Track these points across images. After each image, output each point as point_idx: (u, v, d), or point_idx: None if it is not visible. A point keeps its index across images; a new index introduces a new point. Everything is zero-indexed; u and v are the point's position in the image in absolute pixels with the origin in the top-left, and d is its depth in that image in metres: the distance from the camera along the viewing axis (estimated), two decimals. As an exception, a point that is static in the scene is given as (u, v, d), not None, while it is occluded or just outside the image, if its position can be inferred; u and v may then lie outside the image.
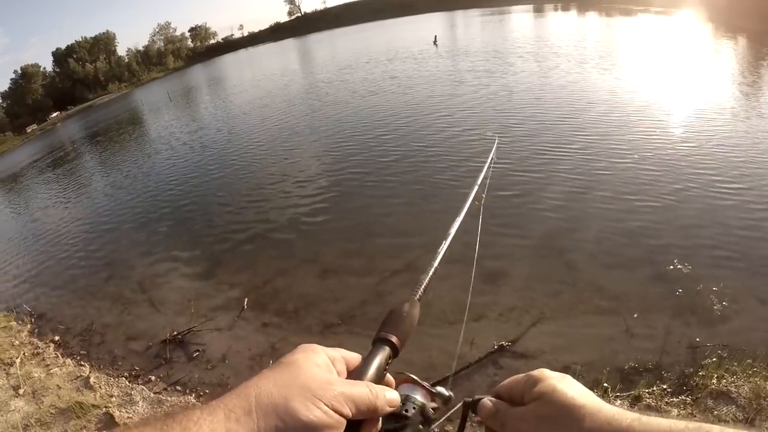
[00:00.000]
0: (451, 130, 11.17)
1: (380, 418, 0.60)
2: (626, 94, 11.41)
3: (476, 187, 1.46)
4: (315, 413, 0.51)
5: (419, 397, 0.73)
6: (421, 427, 0.70)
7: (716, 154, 7.67)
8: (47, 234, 12.15)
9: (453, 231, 1.08)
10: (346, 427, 0.54)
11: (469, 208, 1.26)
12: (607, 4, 39.39)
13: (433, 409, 0.72)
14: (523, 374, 0.70)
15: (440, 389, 0.75)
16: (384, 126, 12.70)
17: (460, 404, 0.76)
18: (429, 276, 0.87)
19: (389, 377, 0.66)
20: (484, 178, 1.60)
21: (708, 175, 7.05)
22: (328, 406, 0.52)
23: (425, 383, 0.74)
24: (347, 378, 0.61)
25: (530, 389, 0.65)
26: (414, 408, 0.70)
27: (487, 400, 0.71)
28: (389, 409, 0.60)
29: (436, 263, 0.91)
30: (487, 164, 1.77)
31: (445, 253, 0.96)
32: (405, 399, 0.71)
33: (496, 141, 2.47)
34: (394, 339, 0.67)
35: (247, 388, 0.52)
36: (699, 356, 4.00)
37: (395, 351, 0.67)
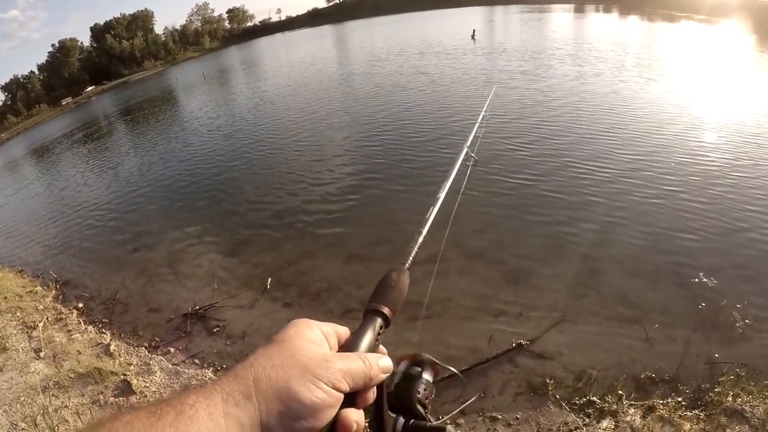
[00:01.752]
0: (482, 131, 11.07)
1: (374, 387, 0.60)
2: (670, 106, 11.05)
3: (466, 147, 1.45)
4: (317, 394, 0.50)
5: (424, 372, 0.76)
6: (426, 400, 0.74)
7: (753, 172, 7.48)
8: (76, 204, 12.48)
9: (441, 195, 1.08)
10: (343, 399, 0.54)
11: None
12: (650, 9, 38.52)
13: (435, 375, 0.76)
14: None
15: (444, 365, 0.78)
16: (417, 119, 12.60)
17: (474, 398, 0.78)
18: (418, 244, 0.87)
19: (382, 347, 0.66)
20: (475, 137, 1.59)
21: (743, 191, 6.90)
22: (328, 385, 0.52)
23: (430, 356, 0.77)
24: (340, 350, 0.61)
25: None
26: (417, 383, 0.73)
27: None
28: (383, 377, 0.60)
29: (425, 231, 0.91)
30: (476, 126, 1.77)
31: (433, 220, 0.96)
32: (408, 376, 0.75)
33: (492, 92, 2.46)
34: (385, 309, 0.67)
35: (244, 369, 0.51)
36: (717, 372, 3.95)
37: (386, 321, 0.67)
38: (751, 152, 8.10)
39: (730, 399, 3.55)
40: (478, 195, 7.34)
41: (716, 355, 4.15)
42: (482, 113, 2.12)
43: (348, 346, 0.61)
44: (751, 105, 10.76)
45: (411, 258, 0.82)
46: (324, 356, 0.55)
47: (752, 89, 12.17)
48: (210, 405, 0.47)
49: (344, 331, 0.64)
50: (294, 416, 0.49)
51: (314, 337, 0.58)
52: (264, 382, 0.50)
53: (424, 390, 0.74)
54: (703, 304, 4.75)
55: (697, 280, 5.09)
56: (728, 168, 7.60)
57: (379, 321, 0.66)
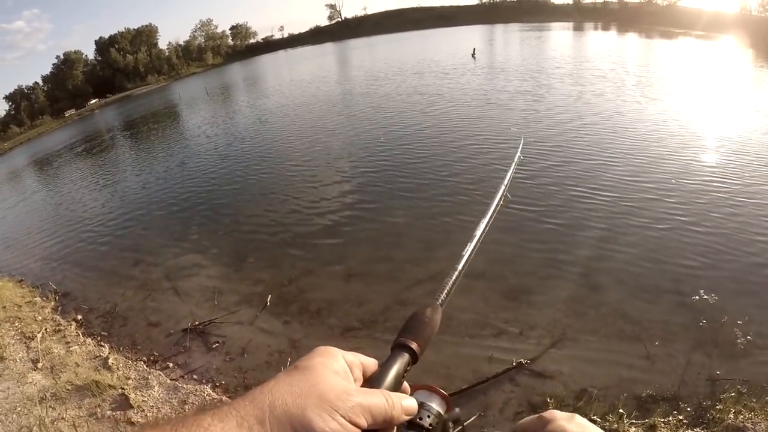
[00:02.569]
0: (480, 147, 11.10)
1: (395, 427, 0.59)
2: (670, 124, 11.10)
3: (504, 187, 1.44)
4: (331, 425, 0.49)
5: (434, 404, 0.74)
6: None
7: (751, 185, 7.51)
8: (77, 216, 12.51)
9: (479, 233, 1.04)
10: None
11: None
12: (648, 26, 38.91)
13: (446, 415, 0.74)
14: (536, 415, 0.69)
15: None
16: (415, 139, 12.66)
17: (474, 417, 0.76)
18: (453, 280, 0.84)
19: (406, 385, 0.64)
20: (509, 181, 1.58)
21: (741, 208, 6.92)
22: (344, 418, 0.50)
23: (442, 390, 0.76)
24: (364, 384, 0.60)
25: (541, 430, 0.65)
26: (429, 416, 0.72)
27: None
28: (405, 418, 0.59)
29: (460, 266, 0.88)
30: (512, 166, 1.77)
31: (470, 256, 0.93)
32: (420, 406, 0.73)
33: (521, 145, 2.46)
34: (413, 345, 0.66)
35: (262, 394, 0.51)
36: (718, 389, 3.94)
37: (414, 357, 0.65)
38: (751, 170, 8.13)
39: (731, 416, 3.53)
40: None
41: (717, 372, 4.13)
42: (516, 159, 2.10)
43: (373, 380, 0.61)
44: (751, 123, 10.81)
45: (444, 294, 0.80)
46: (345, 389, 0.54)
47: (753, 106, 12.21)
48: (225, 429, 0.47)
49: (370, 363, 0.63)
50: None
51: (338, 368, 0.58)
52: (280, 407, 0.49)
53: (436, 423, 0.73)
54: (704, 321, 4.75)
55: (697, 297, 5.08)
56: (729, 186, 7.63)
57: (407, 357, 0.65)
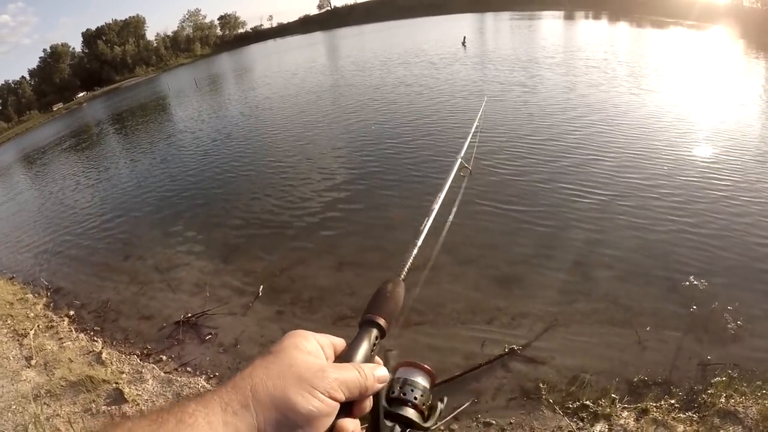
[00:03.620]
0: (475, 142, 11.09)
1: (371, 396, 0.61)
2: (661, 113, 11.02)
3: (459, 159, 1.45)
4: (313, 403, 0.51)
5: (419, 380, 0.76)
6: (423, 407, 0.73)
7: (740, 172, 7.56)
8: (67, 211, 12.43)
9: (436, 207, 1.09)
10: (339, 409, 0.55)
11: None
12: (639, 15, 38.79)
13: (430, 387, 0.75)
14: None
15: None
16: (409, 129, 12.58)
17: (467, 404, 0.78)
18: (413, 255, 0.86)
19: (377, 358, 0.66)
20: (468, 149, 1.59)
21: (731, 192, 6.97)
22: (324, 394, 0.53)
23: (425, 365, 0.77)
24: (336, 361, 0.61)
25: None
26: (413, 390, 0.73)
27: None
28: (379, 386, 0.61)
29: (419, 242, 0.91)
30: (468, 138, 1.77)
31: (427, 230, 0.96)
32: (403, 383, 0.75)
33: (478, 116, 2.45)
34: (380, 321, 0.67)
35: (243, 380, 0.52)
36: (709, 374, 3.98)
37: (382, 332, 0.67)
38: (742, 158, 8.17)
39: (723, 400, 3.57)
40: (470, 203, 7.34)
41: (708, 357, 4.18)
42: (475, 124, 2.11)
43: (344, 356, 0.62)
44: (741, 113, 10.85)
45: (406, 269, 0.82)
46: (320, 366, 0.56)
47: (744, 97, 12.24)
48: (209, 414, 0.48)
49: (340, 342, 0.65)
50: (291, 425, 0.50)
51: (311, 348, 0.59)
52: (261, 391, 0.51)
53: (421, 396, 0.74)
54: (695, 307, 4.79)
55: (687, 283, 5.13)
56: (718, 173, 7.67)
57: (374, 332, 0.66)
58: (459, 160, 1.43)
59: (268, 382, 0.52)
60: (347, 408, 0.57)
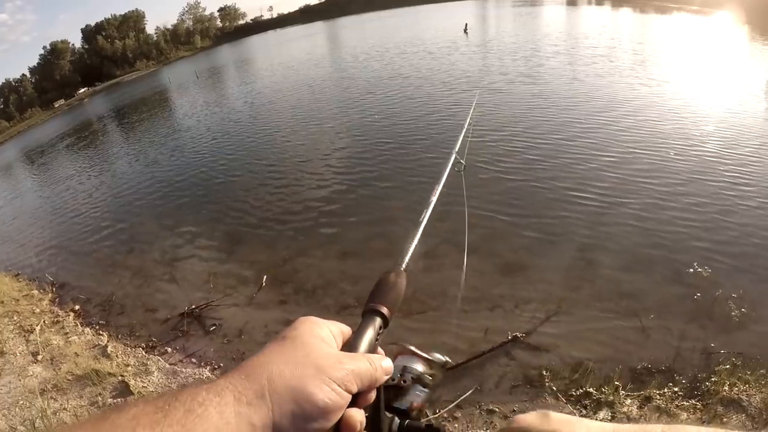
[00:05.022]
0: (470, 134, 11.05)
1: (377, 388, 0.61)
2: (666, 100, 10.94)
3: (454, 154, 1.45)
4: (331, 396, 0.50)
5: (417, 366, 0.76)
6: (420, 394, 0.74)
7: (744, 158, 7.51)
8: (71, 206, 12.48)
9: (434, 198, 1.09)
10: None
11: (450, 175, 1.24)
12: (643, 1, 38.54)
13: (430, 376, 0.75)
14: (533, 413, 0.66)
15: (437, 355, 0.77)
16: (406, 120, 12.53)
17: (470, 391, 0.78)
18: (413, 246, 0.87)
19: (380, 348, 0.65)
20: (462, 145, 1.59)
21: (735, 179, 6.92)
22: (341, 387, 0.51)
23: (421, 352, 0.77)
24: (343, 349, 0.60)
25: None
26: (412, 377, 0.74)
27: None
28: (385, 378, 0.60)
29: (419, 233, 0.91)
30: (462, 131, 1.77)
31: (427, 222, 0.97)
32: (403, 370, 0.75)
33: (472, 107, 2.44)
34: (384, 309, 0.67)
35: (258, 367, 0.50)
36: (713, 362, 3.96)
37: (385, 321, 0.67)
38: (745, 143, 8.10)
39: (726, 388, 3.55)
40: (472, 190, 7.32)
41: (712, 345, 4.16)
42: (468, 119, 2.10)
43: (350, 345, 0.61)
44: (745, 99, 10.75)
45: (407, 259, 0.82)
46: (337, 357, 0.55)
47: (749, 83, 12.11)
48: (221, 403, 0.46)
49: (347, 330, 0.64)
50: (307, 417, 0.49)
51: (324, 335, 0.58)
52: (278, 380, 0.49)
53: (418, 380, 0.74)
54: (699, 294, 4.76)
55: (691, 270, 5.09)
56: (722, 159, 7.60)
57: (378, 321, 0.66)
58: (454, 155, 1.42)
59: (286, 371, 0.50)
60: (354, 398, 0.56)
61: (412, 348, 0.77)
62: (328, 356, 0.54)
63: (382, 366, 0.59)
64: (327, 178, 9.57)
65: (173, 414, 0.44)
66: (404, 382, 0.73)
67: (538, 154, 8.77)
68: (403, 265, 0.81)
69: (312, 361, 0.52)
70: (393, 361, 0.74)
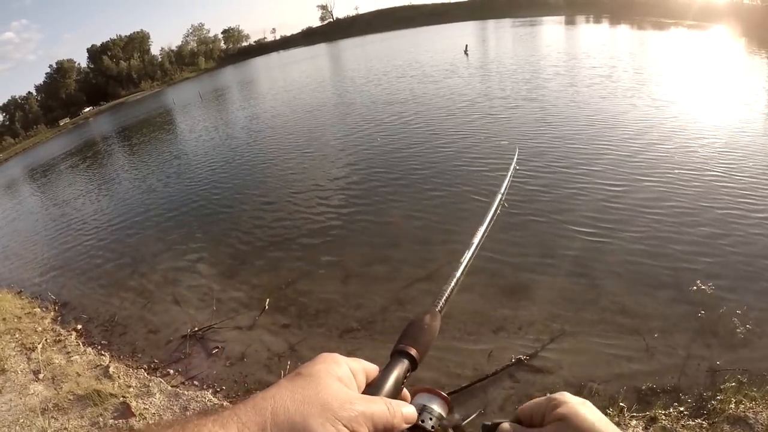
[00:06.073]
0: (477, 153, 11.11)
1: None
2: (665, 119, 11.01)
3: (500, 196, 1.44)
4: None
5: (436, 407, 0.74)
6: None
7: (746, 174, 7.51)
8: (75, 225, 12.51)
9: (477, 240, 1.04)
10: None
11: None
12: (640, 17, 38.86)
13: (449, 420, 0.75)
14: (545, 396, 0.67)
15: (456, 416, 0.77)
16: (411, 144, 12.49)
17: (474, 415, 0.76)
18: (451, 287, 0.84)
19: (406, 391, 0.64)
20: (507, 187, 1.57)
21: (736, 195, 6.93)
22: (347, 427, 0.50)
23: (443, 392, 0.77)
24: (365, 390, 0.59)
25: (551, 411, 0.63)
26: (431, 418, 0.73)
27: (507, 425, 0.69)
28: (405, 426, 0.58)
29: (458, 273, 0.88)
30: (509, 174, 1.76)
31: (468, 263, 0.93)
32: (422, 409, 0.73)
33: (516, 152, 2.45)
34: (413, 352, 0.66)
35: (264, 400, 0.50)
36: (718, 380, 3.93)
37: (414, 364, 0.66)
38: (747, 159, 8.13)
39: (732, 406, 3.53)
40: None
41: (717, 363, 4.13)
42: (513, 164, 2.09)
43: (374, 386, 0.60)
44: (746, 113, 10.79)
45: (443, 301, 0.80)
46: (348, 397, 0.53)
47: (749, 97, 12.16)
48: None
49: (372, 369, 0.63)
50: None
51: (342, 374, 0.57)
52: (281, 415, 0.48)
53: (438, 426, 0.73)
54: (703, 312, 4.74)
55: (695, 287, 5.08)
56: (724, 176, 7.62)
57: (406, 364, 0.65)
58: (499, 196, 1.41)
59: (291, 406, 0.49)
60: None
61: (430, 387, 0.76)
62: (339, 395, 0.53)
63: (403, 412, 0.58)
64: (330, 202, 9.59)
65: None
66: (422, 421, 0.72)
67: (539, 173, 8.78)
68: (438, 307, 0.78)
69: (320, 399, 0.51)
70: (412, 398, 0.72)
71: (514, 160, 2.07)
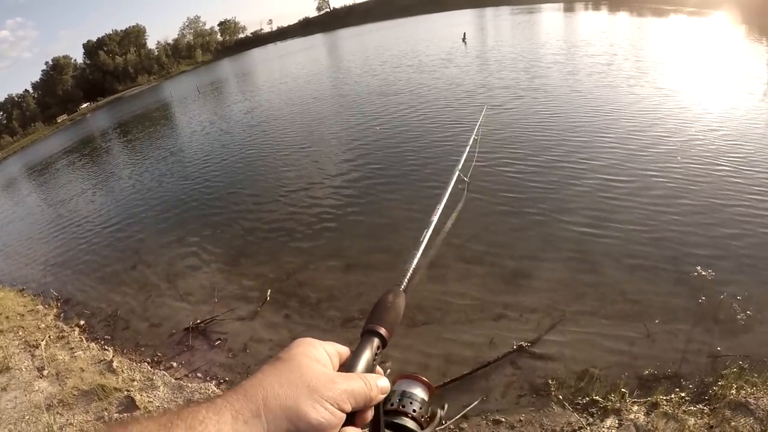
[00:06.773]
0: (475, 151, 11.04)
1: (373, 406, 0.62)
2: (666, 104, 10.94)
3: (457, 172, 1.44)
4: (323, 414, 0.52)
5: (418, 392, 0.77)
6: (422, 419, 0.75)
7: (746, 160, 7.49)
8: (75, 221, 12.52)
9: (434, 218, 1.09)
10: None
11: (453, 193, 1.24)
12: (639, 4, 38.48)
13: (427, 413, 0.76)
14: None
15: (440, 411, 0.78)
16: (415, 129, 12.54)
17: (476, 402, 0.78)
18: (413, 266, 0.86)
19: (378, 368, 0.67)
20: (466, 161, 1.58)
21: (737, 181, 6.91)
22: (333, 406, 0.54)
23: (424, 378, 0.78)
24: (340, 370, 0.62)
25: None
26: (412, 402, 0.74)
27: None
28: (382, 397, 0.62)
29: (419, 253, 0.91)
30: (466, 149, 1.76)
31: (428, 242, 0.96)
32: (402, 395, 0.76)
33: (483, 112, 2.44)
34: (381, 330, 0.68)
35: (253, 387, 0.52)
36: (719, 366, 3.94)
37: (383, 341, 0.68)
38: (747, 145, 8.09)
39: (733, 392, 3.53)
40: (475, 200, 7.34)
41: (718, 348, 4.14)
42: (472, 136, 2.10)
43: (348, 366, 0.63)
44: (748, 100, 10.71)
45: (406, 280, 0.82)
46: (329, 377, 0.57)
47: (751, 84, 12.08)
48: (220, 421, 0.48)
49: (345, 350, 0.66)
50: None
51: (319, 356, 0.60)
52: (273, 400, 0.51)
53: (420, 408, 0.75)
54: (703, 298, 4.74)
55: (695, 273, 5.08)
56: (724, 162, 7.59)
57: (376, 341, 0.67)
58: (457, 173, 1.42)
59: (280, 391, 0.52)
60: (351, 418, 0.58)
61: (411, 373, 0.78)
62: (321, 376, 0.56)
63: (378, 385, 0.61)
64: (329, 191, 9.59)
65: (175, 431, 0.47)
66: (402, 407, 0.74)
67: (541, 161, 8.77)
68: (402, 286, 0.81)
69: (305, 381, 0.54)
70: (392, 385, 0.75)
71: (472, 136, 2.07)
